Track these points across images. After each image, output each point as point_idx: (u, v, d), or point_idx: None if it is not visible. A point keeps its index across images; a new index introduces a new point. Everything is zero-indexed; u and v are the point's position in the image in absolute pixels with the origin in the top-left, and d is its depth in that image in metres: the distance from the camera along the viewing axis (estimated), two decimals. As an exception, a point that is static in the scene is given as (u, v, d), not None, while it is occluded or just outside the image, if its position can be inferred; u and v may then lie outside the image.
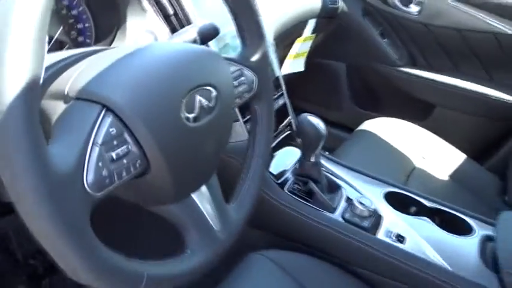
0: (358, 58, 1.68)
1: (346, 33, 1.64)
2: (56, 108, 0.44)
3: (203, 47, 0.56)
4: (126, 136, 0.42)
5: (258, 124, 0.67)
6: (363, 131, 1.38)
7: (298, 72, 1.39)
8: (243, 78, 0.61)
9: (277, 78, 1.01)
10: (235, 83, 0.60)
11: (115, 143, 0.41)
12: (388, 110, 1.64)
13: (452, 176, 1.26)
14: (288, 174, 0.93)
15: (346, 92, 1.75)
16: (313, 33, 1.50)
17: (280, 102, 1.01)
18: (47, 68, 0.46)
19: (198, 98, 0.49)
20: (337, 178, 0.96)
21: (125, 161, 0.42)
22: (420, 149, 1.32)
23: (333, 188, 0.93)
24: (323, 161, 0.98)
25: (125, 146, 0.42)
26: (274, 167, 0.92)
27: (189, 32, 0.66)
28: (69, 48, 0.74)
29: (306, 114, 0.87)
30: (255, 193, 0.64)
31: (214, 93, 0.51)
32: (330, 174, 0.97)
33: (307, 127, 0.85)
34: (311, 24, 1.48)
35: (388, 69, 1.61)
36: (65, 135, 0.40)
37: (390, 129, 1.37)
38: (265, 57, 0.65)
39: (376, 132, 1.35)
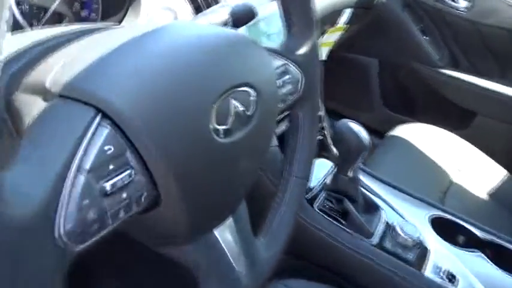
0: (393, 55, 1.54)
1: (383, 27, 1.50)
2: (33, 107, 0.30)
3: (239, 32, 0.42)
4: (129, 157, 0.29)
5: (298, 134, 0.53)
6: (395, 137, 1.27)
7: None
8: (288, 76, 0.47)
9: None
10: (279, 82, 0.46)
11: (111, 167, 0.28)
12: (423, 115, 1.51)
13: (490, 194, 1.15)
14: (318, 189, 0.80)
15: (377, 91, 1.62)
16: (347, 24, 1.36)
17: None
18: (25, 52, 0.33)
19: (233, 103, 0.35)
20: (375, 196, 0.83)
21: (124, 194, 0.28)
22: (456, 161, 1.21)
23: (371, 209, 0.79)
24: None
25: (125, 173, 0.29)
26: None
27: (219, 13, 0.52)
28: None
29: (345, 120, 0.74)
30: (290, 222, 0.51)
31: (253, 96, 0.38)
32: (366, 190, 0.83)
33: (348, 135, 0.72)
34: (346, 14, 1.34)
35: (426, 70, 1.47)
36: (36, 153, 0.26)
37: (424, 137, 1.26)
38: (314, 50, 0.51)
39: (409, 140, 1.24)
